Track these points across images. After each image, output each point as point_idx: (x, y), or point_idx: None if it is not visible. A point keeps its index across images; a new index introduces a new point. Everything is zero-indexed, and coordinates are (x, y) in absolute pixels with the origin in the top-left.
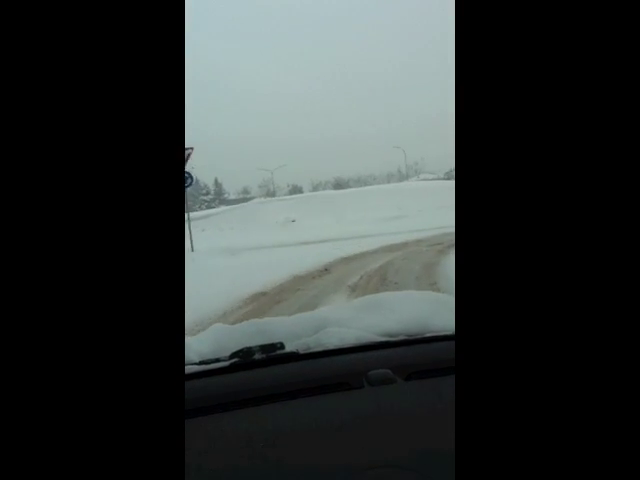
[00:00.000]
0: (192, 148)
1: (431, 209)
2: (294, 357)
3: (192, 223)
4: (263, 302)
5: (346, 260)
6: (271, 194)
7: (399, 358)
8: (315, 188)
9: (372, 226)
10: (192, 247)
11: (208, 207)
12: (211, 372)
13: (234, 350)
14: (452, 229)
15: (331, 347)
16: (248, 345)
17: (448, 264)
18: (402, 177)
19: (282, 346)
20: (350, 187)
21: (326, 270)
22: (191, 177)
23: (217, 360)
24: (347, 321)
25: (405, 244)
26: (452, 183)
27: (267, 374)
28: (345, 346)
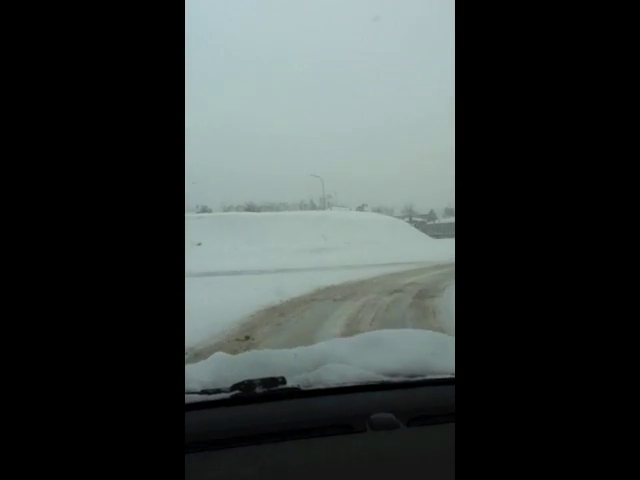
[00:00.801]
0: None
1: (359, 243)
2: (295, 393)
3: None
4: None
5: (272, 312)
6: None
7: (401, 401)
8: (226, 211)
9: (295, 258)
10: None
11: None
12: (212, 403)
13: (234, 381)
14: (396, 268)
15: (332, 384)
16: (248, 377)
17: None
18: (315, 208)
19: (284, 381)
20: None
21: (247, 339)
22: None
23: (218, 391)
24: (347, 357)
25: (349, 286)
26: (379, 216)
27: (268, 410)
28: (346, 384)
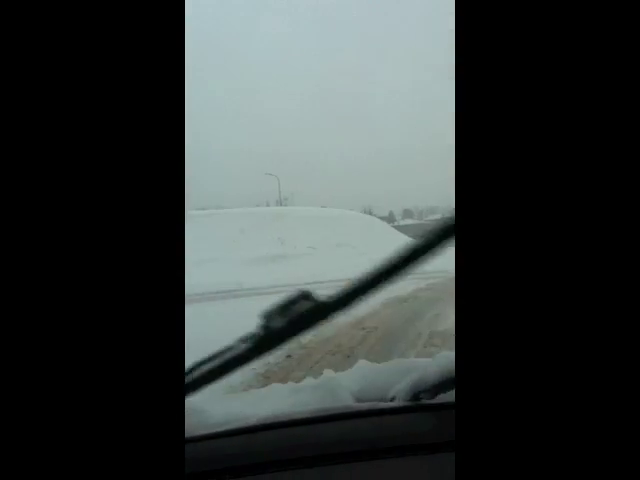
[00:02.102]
0: None
1: (327, 247)
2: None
3: None
4: None
5: None
6: None
7: None
8: None
9: (233, 273)
10: None
11: None
12: (382, 412)
13: (383, 388)
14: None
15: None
16: (397, 384)
17: None
18: None
19: (445, 388)
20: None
21: None
22: None
23: (393, 398)
24: None
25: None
26: (350, 213)
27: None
28: None
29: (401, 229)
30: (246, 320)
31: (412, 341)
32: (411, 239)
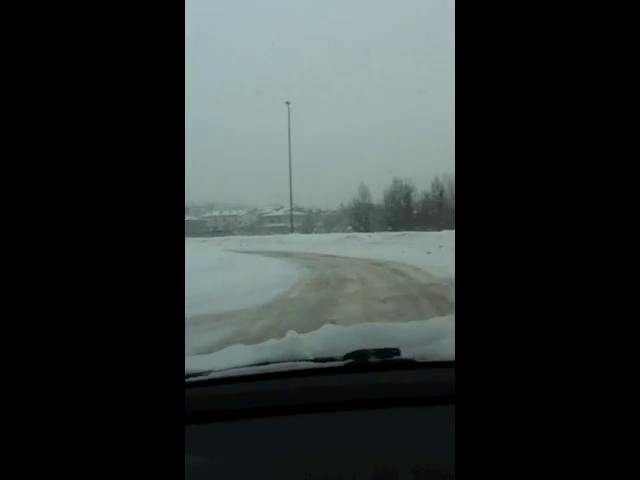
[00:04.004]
0: None
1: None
2: (410, 364)
3: None
4: None
5: None
6: None
7: None
8: None
9: None
10: None
11: None
12: (325, 370)
13: (346, 351)
14: None
15: (447, 358)
16: (360, 347)
17: None
18: None
19: (398, 352)
20: None
21: None
22: None
23: (331, 359)
24: None
25: None
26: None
27: (384, 378)
28: None
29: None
30: None
31: None
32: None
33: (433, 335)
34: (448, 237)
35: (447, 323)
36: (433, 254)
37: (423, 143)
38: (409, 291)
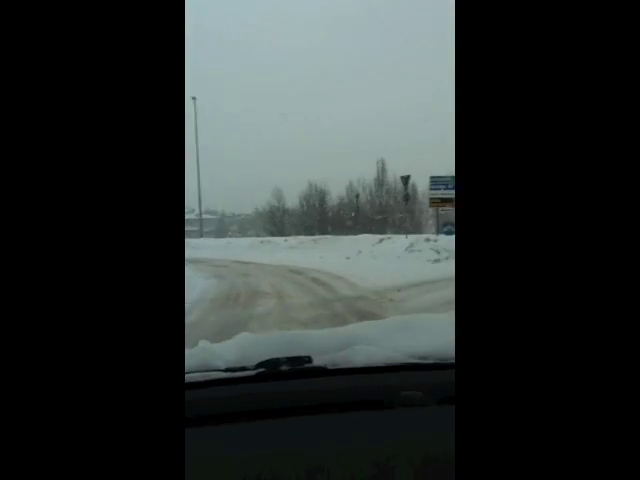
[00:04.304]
0: None
1: None
2: (321, 372)
3: None
4: None
5: None
6: None
7: (430, 381)
8: None
9: None
10: None
11: None
12: (237, 380)
13: (260, 360)
14: None
15: (359, 365)
16: (274, 356)
17: None
18: None
19: (310, 360)
20: None
21: None
22: None
23: (243, 368)
24: (376, 340)
25: None
26: None
27: (293, 387)
28: (373, 365)
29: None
30: None
31: None
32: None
33: (347, 341)
34: (365, 241)
35: (361, 329)
36: (352, 260)
37: (338, 146)
38: (335, 308)
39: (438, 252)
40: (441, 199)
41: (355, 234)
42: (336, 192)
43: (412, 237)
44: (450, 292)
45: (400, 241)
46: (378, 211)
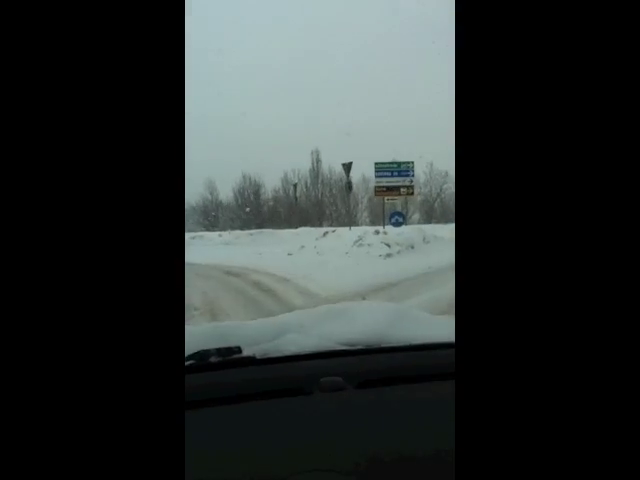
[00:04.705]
0: None
1: None
2: (250, 362)
3: None
4: None
5: None
6: None
7: (354, 366)
8: None
9: None
10: None
11: None
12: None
13: (191, 352)
14: None
15: (289, 353)
16: (205, 347)
17: None
18: None
19: (239, 350)
20: None
21: None
22: None
23: None
24: (308, 328)
25: None
26: None
27: (221, 377)
28: (303, 353)
29: None
30: None
31: None
32: None
33: (279, 331)
34: (307, 235)
35: (292, 318)
36: (295, 256)
37: (273, 137)
38: None
39: (389, 245)
40: (386, 187)
41: (294, 227)
42: (271, 184)
43: (358, 230)
44: (425, 296)
45: (346, 234)
46: (315, 203)
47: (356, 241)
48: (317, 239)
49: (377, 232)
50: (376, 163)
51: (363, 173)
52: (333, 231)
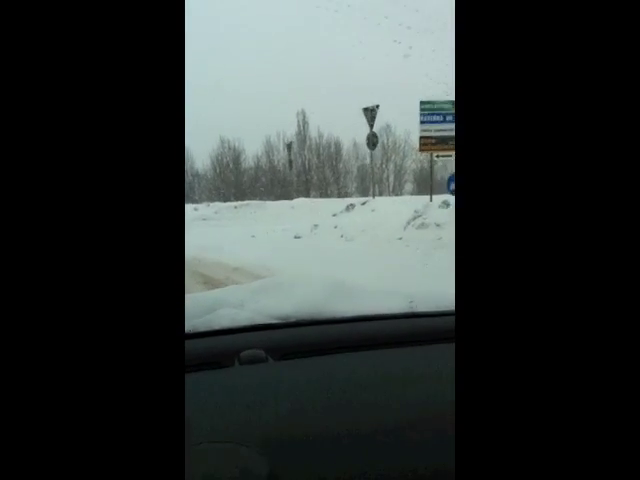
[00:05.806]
0: None
1: None
2: None
3: None
4: None
5: None
6: None
7: (279, 339)
8: None
9: None
10: None
11: None
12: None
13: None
14: None
15: (218, 327)
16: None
17: None
18: None
19: None
20: None
21: None
22: None
23: None
24: (242, 303)
25: None
26: None
27: None
28: (233, 327)
29: None
30: None
31: None
32: None
33: (213, 306)
34: (307, 208)
35: (227, 294)
36: (306, 240)
37: (251, 97)
38: None
39: None
40: (436, 139)
41: (290, 199)
42: (251, 150)
43: (401, 199)
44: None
45: (386, 206)
46: (304, 170)
47: (411, 220)
48: (336, 215)
49: (446, 204)
50: (422, 102)
51: (387, 122)
52: (363, 203)
